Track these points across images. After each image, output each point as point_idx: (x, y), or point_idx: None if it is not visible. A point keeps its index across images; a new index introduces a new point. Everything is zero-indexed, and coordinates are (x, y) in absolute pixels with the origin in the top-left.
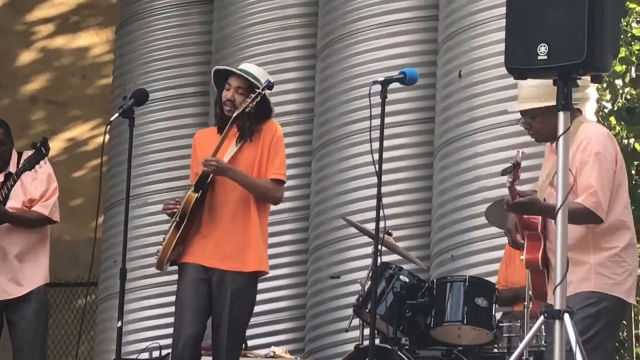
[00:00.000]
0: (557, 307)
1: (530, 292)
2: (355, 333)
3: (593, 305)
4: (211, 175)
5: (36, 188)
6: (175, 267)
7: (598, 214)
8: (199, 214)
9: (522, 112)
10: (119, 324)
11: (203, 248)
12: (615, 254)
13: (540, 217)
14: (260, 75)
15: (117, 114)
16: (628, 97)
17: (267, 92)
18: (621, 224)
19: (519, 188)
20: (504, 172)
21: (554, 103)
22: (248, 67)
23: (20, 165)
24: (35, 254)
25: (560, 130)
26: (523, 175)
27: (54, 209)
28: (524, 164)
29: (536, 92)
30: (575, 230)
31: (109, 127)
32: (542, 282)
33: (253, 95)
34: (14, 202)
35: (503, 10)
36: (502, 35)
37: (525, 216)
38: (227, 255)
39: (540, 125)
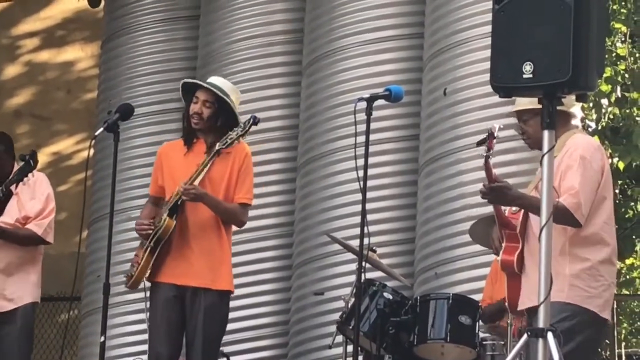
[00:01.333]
0: (541, 325)
1: (506, 304)
2: (339, 350)
3: (568, 319)
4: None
5: (33, 206)
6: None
7: (576, 215)
8: (171, 236)
9: (518, 115)
10: (102, 338)
11: (175, 267)
12: (591, 267)
13: (520, 217)
14: (229, 89)
15: (101, 129)
16: (612, 116)
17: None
18: (599, 239)
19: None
20: (479, 143)
21: None
22: (216, 80)
23: (9, 178)
24: (23, 272)
25: (545, 148)
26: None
27: (49, 229)
28: (507, 170)
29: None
30: (553, 237)
31: (93, 141)
32: (517, 288)
33: (239, 131)
34: (7, 218)
35: (488, 28)
36: (487, 53)
37: (506, 214)
38: (199, 273)
39: (533, 129)
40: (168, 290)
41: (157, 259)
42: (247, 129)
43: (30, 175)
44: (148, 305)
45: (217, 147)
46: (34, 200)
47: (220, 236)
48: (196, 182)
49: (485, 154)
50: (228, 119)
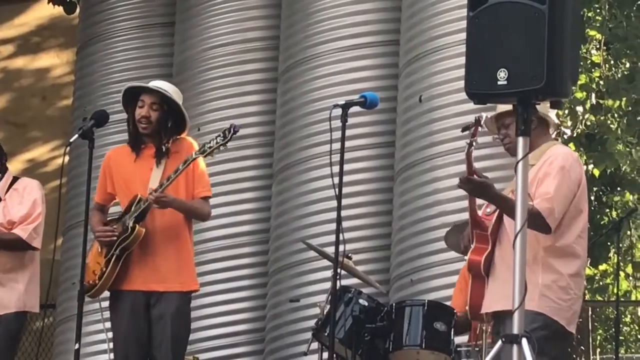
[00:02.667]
0: (515, 331)
1: (467, 307)
2: (314, 357)
3: (539, 329)
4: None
5: (19, 211)
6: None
7: (548, 220)
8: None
9: (498, 122)
10: (77, 346)
11: (140, 274)
12: (562, 280)
13: (493, 219)
14: (173, 92)
15: (76, 135)
16: (588, 123)
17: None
18: (572, 251)
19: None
20: (464, 129)
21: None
22: (160, 83)
23: None
24: (10, 280)
25: (520, 155)
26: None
27: (35, 234)
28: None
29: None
30: (528, 246)
31: (68, 148)
32: (480, 292)
33: (220, 140)
34: None
35: (463, 35)
36: (462, 60)
37: (479, 213)
38: (164, 277)
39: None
40: (134, 297)
41: (121, 267)
42: (229, 138)
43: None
44: (106, 315)
45: (193, 156)
46: (20, 205)
47: (184, 237)
48: (145, 180)
49: (468, 141)
50: (177, 120)
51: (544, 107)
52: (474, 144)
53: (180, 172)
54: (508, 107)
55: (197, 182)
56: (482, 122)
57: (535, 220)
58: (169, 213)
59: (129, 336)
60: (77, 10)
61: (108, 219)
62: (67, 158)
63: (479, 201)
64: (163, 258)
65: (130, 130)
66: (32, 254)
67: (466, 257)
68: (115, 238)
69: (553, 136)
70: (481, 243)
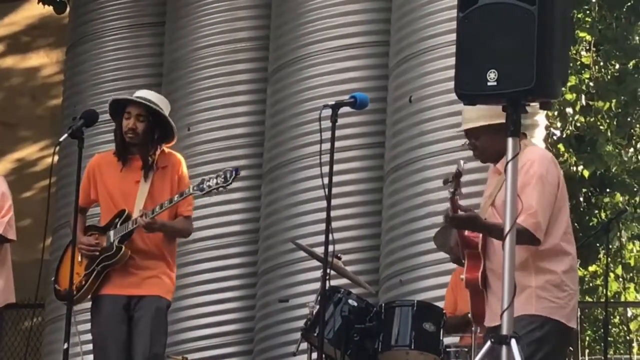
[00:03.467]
0: (504, 332)
1: (469, 315)
2: (303, 357)
3: (537, 329)
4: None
5: None
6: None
7: (537, 235)
8: None
9: (467, 133)
10: (65, 346)
11: (121, 279)
12: (556, 278)
13: (480, 236)
14: (159, 100)
15: (66, 135)
16: (578, 124)
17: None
18: (560, 249)
19: (462, 203)
20: (445, 182)
21: (497, 121)
22: (145, 93)
23: None
24: None
25: (509, 155)
26: (468, 190)
27: (8, 227)
28: (468, 177)
29: (480, 112)
30: (517, 252)
31: (58, 147)
32: (481, 304)
33: (221, 182)
34: None
35: (453, 36)
36: (452, 61)
37: (466, 234)
38: (144, 282)
39: (485, 144)
40: (115, 302)
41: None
42: (230, 182)
43: None
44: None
45: (190, 191)
46: None
47: (167, 252)
48: (136, 207)
49: (451, 193)
50: (164, 131)
51: (533, 108)
52: (457, 195)
53: (173, 204)
54: (473, 120)
55: (181, 201)
56: (462, 172)
57: (524, 238)
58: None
59: (109, 338)
60: (67, 9)
61: (88, 223)
62: (56, 157)
63: None
64: (143, 266)
65: (118, 140)
66: (6, 248)
67: (462, 277)
68: (97, 253)
69: (543, 137)
70: (474, 260)
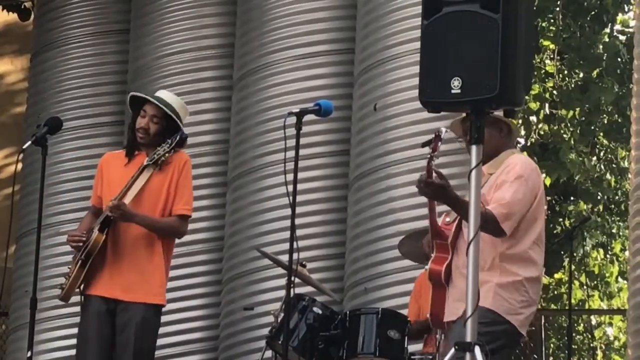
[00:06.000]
0: (468, 339)
1: (428, 315)
2: None
3: (487, 325)
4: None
5: None
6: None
7: (502, 225)
8: (104, 249)
9: (465, 121)
10: (29, 354)
11: (107, 280)
12: (518, 281)
13: (453, 229)
14: (176, 104)
15: (29, 142)
16: (541, 132)
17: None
18: (528, 257)
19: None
20: (424, 144)
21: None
22: (165, 95)
23: None
24: None
25: (473, 163)
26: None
27: None
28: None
29: None
30: (483, 252)
31: (21, 155)
32: (441, 300)
33: (167, 147)
34: None
35: (418, 44)
36: (416, 69)
37: (439, 222)
38: (130, 286)
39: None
40: (99, 303)
41: (91, 272)
42: (172, 145)
43: None
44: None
45: (145, 163)
46: None
47: (152, 250)
48: (127, 199)
49: (429, 156)
50: (174, 135)
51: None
52: (434, 158)
53: (134, 181)
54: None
55: (177, 198)
56: (442, 137)
57: (489, 224)
58: (138, 226)
59: (90, 342)
60: (32, 17)
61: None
62: (20, 165)
63: (438, 209)
64: (129, 268)
65: (129, 135)
66: None
67: (427, 267)
68: (81, 244)
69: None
70: (442, 252)
